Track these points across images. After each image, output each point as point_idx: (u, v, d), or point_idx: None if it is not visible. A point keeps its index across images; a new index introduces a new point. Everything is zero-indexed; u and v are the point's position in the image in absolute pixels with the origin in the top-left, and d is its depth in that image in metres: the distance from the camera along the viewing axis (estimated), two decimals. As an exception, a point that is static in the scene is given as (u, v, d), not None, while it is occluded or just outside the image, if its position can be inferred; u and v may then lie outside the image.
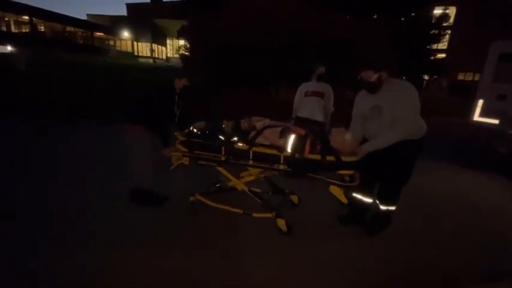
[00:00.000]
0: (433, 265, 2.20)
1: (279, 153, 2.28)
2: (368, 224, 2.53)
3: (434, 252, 2.35)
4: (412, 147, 2.16)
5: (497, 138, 4.50)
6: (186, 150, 2.63)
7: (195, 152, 2.60)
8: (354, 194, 2.53)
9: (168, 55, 34.27)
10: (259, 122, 2.63)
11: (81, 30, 27.53)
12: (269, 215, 2.50)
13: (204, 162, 2.62)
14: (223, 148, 2.49)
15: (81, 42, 27.46)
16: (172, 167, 2.73)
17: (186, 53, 10.82)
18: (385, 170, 2.25)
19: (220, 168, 2.60)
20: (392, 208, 2.39)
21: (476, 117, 4.87)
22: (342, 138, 2.26)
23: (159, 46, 33.57)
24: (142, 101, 2.76)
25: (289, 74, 8.78)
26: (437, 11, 20.64)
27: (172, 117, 2.84)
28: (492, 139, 4.59)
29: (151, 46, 31.39)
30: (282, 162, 2.30)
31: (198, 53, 9.14)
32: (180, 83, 2.81)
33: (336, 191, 2.42)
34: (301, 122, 3.54)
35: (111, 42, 30.07)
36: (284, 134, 2.31)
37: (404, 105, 2.05)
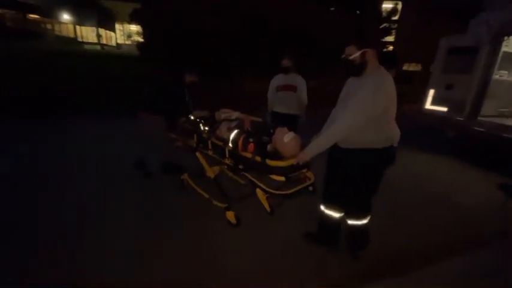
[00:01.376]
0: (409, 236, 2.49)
1: (223, 146, 2.32)
2: (349, 246, 2.23)
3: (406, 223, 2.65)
4: (373, 156, 1.84)
5: (446, 124, 5.02)
6: (175, 136, 2.92)
7: (185, 137, 2.81)
8: (322, 208, 2.19)
9: (119, 41, 31.39)
10: (224, 114, 2.67)
11: (10, 11, 23.50)
12: (221, 205, 2.60)
13: (181, 145, 2.91)
14: (195, 135, 2.65)
15: (11, 25, 23.51)
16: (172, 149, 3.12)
17: (142, 40, 9.96)
18: (345, 180, 1.97)
19: (197, 154, 2.71)
20: (363, 222, 2.06)
21: (428, 105, 5.35)
22: (280, 139, 2.01)
23: (107, 31, 30.42)
24: (160, 94, 3.22)
25: (253, 63, 8.69)
26: (387, 5, 22.25)
27: (183, 108, 3.11)
28: (441, 125, 5.10)
29: (97, 31, 28.22)
30: (227, 156, 2.31)
31: (155, 41, 8.47)
32: (190, 79, 3.24)
33: (260, 195, 2.25)
34: (278, 117, 3.55)
35: (49, 26, 26.26)
36: (232, 128, 2.36)
37: (364, 97, 1.67)
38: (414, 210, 3.01)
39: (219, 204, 2.64)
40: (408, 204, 3.12)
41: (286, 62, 3.43)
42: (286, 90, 3.46)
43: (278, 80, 3.55)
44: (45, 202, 2.84)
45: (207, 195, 2.82)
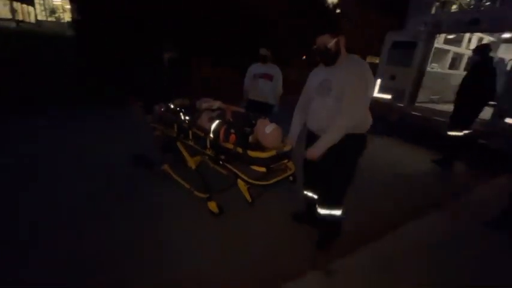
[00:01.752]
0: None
1: (204, 136, 2.31)
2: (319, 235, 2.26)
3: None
4: (356, 142, 1.89)
5: (389, 109, 5.74)
6: (156, 124, 2.93)
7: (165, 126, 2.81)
8: (305, 192, 2.30)
9: (39, 18, 26.71)
10: (205, 104, 2.62)
11: None
12: (202, 195, 2.58)
13: (160, 134, 2.94)
14: (175, 125, 2.63)
15: None
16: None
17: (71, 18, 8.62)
18: (324, 167, 1.96)
19: (178, 143, 2.70)
20: (336, 213, 2.06)
21: (376, 93, 6.03)
22: (262, 130, 2.05)
23: (24, 5, 25.57)
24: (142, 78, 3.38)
25: (210, 51, 8.45)
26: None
27: (162, 91, 3.09)
28: (386, 110, 5.82)
29: (11, 4, 23.50)
30: (208, 146, 2.30)
31: (94, 20, 7.39)
32: (168, 55, 3.27)
33: (242, 185, 2.28)
34: (253, 105, 3.61)
35: None
36: (213, 119, 2.32)
37: (356, 87, 1.72)
38: (365, 182, 3.19)
39: (200, 195, 2.62)
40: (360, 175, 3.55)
41: (264, 51, 3.51)
42: (263, 79, 3.54)
43: (256, 68, 3.63)
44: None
45: (188, 186, 2.77)
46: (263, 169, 2.01)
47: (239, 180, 2.16)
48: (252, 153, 1.96)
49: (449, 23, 4.98)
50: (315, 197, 2.20)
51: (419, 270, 1.98)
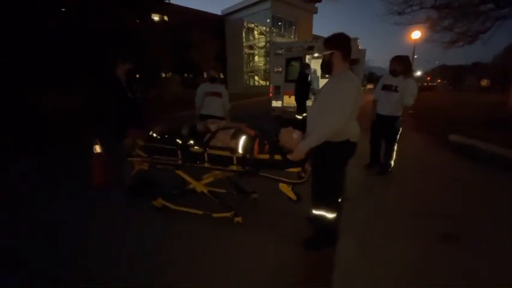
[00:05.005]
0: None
1: (231, 155, 2.36)
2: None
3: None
4: (335, 149, 2.02)
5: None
6: (145, 155, 2.67)
7: (154, 156, 2.64)
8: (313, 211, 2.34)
9: None
10: (213, 125, 2.73)
11: None
12: (227, 214, 2.66)
13: (162, 167, 2.69)
14: (179, 152, 2.53)
15: None
16: (133, 172, 2.82)
17: None
18: (314, 170, 2.20)
19: (179, 172, 2.63)
20: (325, 214, 2.20)
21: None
22: (289, 137, 2.27)
23: None
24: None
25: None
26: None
27: (129, 106, 2.95)
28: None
29: None
30: (235, 163, 2.38)
31: None
32: (123, 68, 2.93)
33: (285, 188, 2.36)
34: (205, 119, 3.80)
35: None
36: (235, 136, 2.40)
37: (333, 98, 1.91)
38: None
39: (223, 215, 2.64)
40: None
41: (213, 73, 4.07)
42: (214, 96, 3.98)
43: (205, 87, 4.03)
44: None
45: (200, 212, 2.72)
46: (299, 169, 2.24)
47: (281, 184, 2.35)
48: (290, 157, 2.15)
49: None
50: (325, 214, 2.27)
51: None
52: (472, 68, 51.76)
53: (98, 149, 3.56)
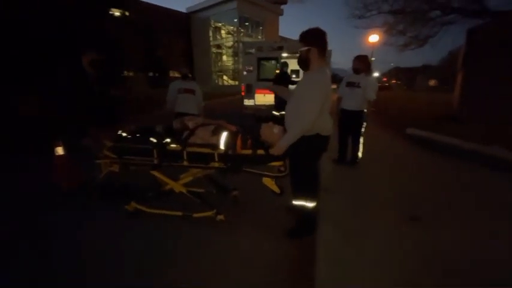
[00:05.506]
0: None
1: (212, 151, 2.32)
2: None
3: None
4: (307, 142, 2.08)
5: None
6: (115, 156, 2.50)
7: (125, 157, 2.50)
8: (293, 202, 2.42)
9: None
10: (191, 122, 2.67)
11: None
12: (209, 213, 2.57)
13: (135, 168, 2.56)
14: (155, 151, 2.40)
15: None
16: (101, 175, 2.58)
17: None
18: (292, 163, 2.28)
19: (154, 172, 2.53)
20: (304, 204, 2.28)
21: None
22: (270, 132, 2.34)
23: None
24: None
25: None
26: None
27: (96, 100, 2.70)
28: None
29: None
30: (216, 159, 2.34)
31: None
32: (87, 59, 2.67)
33: (268, 182, 2.39)
34: (180, 116, 3.69)
35: None
36: (216, 132, 2.38)
37: (306, 93, 2.01)
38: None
39: (205, 214, 2.57)
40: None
41: (184, 71, 3.97)
42: (187, 93, 3.88)
43: (178, 84, 3.92)
44: None
45: (180, 213, 2.61)
46: (281, 162, 2.32)
47: (265, 179, 2.40)
48: (272, 151, 2.18)
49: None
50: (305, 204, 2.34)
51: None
52: (422, 70, 56.94)
53: (59, 151, 3.26)
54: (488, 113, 6.36)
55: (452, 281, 1.83)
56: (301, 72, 6.57)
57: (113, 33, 9.19)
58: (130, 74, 17.55)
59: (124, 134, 2.60)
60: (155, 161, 2.42)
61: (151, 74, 22.20)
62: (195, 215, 2.58)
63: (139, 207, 2.69)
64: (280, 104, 6.24)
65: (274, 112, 6.42)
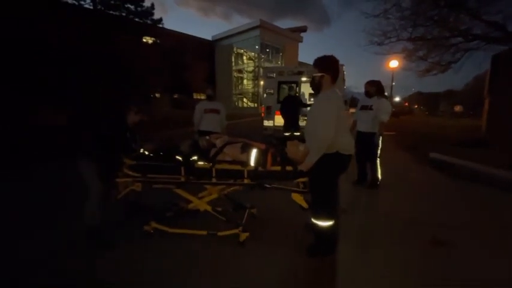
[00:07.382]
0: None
1: (242, 168, 2.33)
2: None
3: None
4: (327, 161, 2.12)
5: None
6: (138, 175, 2.47)
7: (149, 175, 2.47)
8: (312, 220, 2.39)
9: None
10: (218, 139, 2.73)
11: None
12: (236, 231, 2.49)
13: (160, 186, 2.50)
14: (182, 168, 2.41)
15: None
16: (120, 195, 2.54)
17: None
18: (311, 180, 2.31)
19: (179, 190, 2.52)
20: (320, 223, 2.24)
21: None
22: (296, 150, 2.43)
23: None
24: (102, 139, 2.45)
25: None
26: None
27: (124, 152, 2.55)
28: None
29: None
30: (245, 176, 2.35)
31: None
32: (135, 118, 2.56)
33: (297, 197, 2.40)
34: (204, 134, 3.91)
35: None
36: (246, 149, 2.40)
37: (319, 113, 2.14)
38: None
39: (230, 232, 2.50)
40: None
41: (208, 91, 4.27)
42: (212, 113, 4.14)
43: (204, 105, 4.22)
44: None
45: (204, 232, 2.55)
46: (306, 179, 2.36)
47: (293, 194, 2.44)
48: (301, 167, 2.23)
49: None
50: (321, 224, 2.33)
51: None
52: (445, 95, 55.37)
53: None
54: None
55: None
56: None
57: (143, 57, 10.05)
58: (157, 95, 18.68)
59: (146, 152, 2.60)
60: (182, 179, 2.43)
61: (176, 95, 23.49)
62: (220, 234, 2.51)
63: (159, 227, 2.61)
64: (288, 125, 6.27)
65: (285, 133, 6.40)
